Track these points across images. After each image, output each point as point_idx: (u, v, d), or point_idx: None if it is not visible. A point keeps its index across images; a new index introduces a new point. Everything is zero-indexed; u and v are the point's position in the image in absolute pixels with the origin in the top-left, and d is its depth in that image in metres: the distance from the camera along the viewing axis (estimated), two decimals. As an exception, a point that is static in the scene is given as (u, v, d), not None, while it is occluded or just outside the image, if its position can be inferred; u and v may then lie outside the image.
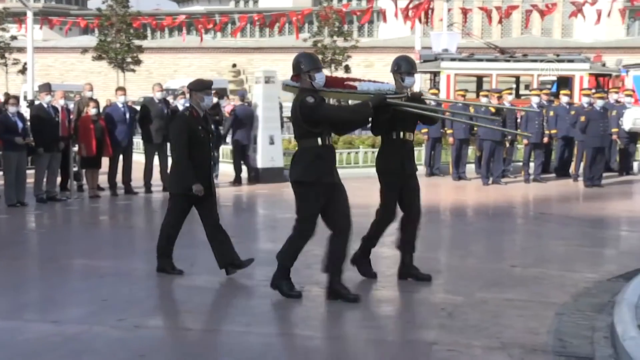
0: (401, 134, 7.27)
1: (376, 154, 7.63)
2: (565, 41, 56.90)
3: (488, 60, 23.53)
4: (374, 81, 7.35)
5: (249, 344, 5.48)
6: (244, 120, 15.33)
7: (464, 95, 16.89)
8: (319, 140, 6.50)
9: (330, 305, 6.49)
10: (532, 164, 15.97)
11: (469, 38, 35.92)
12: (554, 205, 13.11)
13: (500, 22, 33.80)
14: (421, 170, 16.73)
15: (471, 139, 16.48)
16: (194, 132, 7.38)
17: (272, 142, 15.57)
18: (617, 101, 17.50)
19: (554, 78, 23.94)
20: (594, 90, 17.26)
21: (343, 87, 7.05)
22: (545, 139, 15.97)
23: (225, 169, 15.93)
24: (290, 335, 5.69)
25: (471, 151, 17.02)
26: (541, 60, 23.99)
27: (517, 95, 24.04)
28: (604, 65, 24.84)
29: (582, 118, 14.98)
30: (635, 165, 17.61)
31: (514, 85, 25.06)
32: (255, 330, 5.79)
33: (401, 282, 7.34)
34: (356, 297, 6.49)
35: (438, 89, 19.38)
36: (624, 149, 17.20)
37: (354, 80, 7.21)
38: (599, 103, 15.20)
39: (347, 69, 40.59)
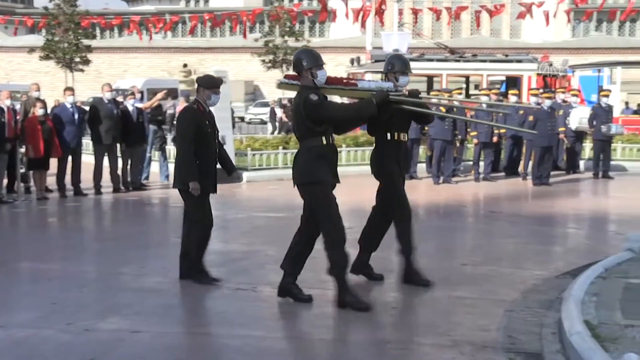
0: (396, 134, 7.18)
1: (370, 155, 7.53)
2: (514, 42, 57.70)
3: (438, 60, 23.71)
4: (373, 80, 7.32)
5: (200, 346, 5.45)
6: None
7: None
8: (323, 139, 6.38)
9: (282, 305, 6.49)
10: (482, 163, 16.15)
11: (419, 38, 36.20)
12: (504, 203, 13.27)
13: (449, 23, 34.13)
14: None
15: (422, 138, 16.61)
16: (200, 127, 7.24)
17: (223, 143, 15.45)
18: (564, 101, 17.81)
19: (503, 78, 24.27)
20: (541, 90, 17.53)
21: (344, 84, 6.96)
22: (495, 139, 16.18)
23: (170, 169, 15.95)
24: (243, 337, 5.67)
25: (422, 151, 17.16)
26: (490, 61, 24.27)
27: (467, 95, 24.29)
28: (551, 65, 25.22)
29: (531, 117, 15.21)
30: (581, 163, 17.93)
31: (464, 85, 25.32)
32: (207, 331, 5.76)
33: (354, 282, 7.35)
34: (309, 297, 6.50)
35: (389, 89, 19.46)
36: (570, 147, 17.51)
37: (353, 79, 7.16)
38: (546, 103, 15.46)
39: (298, 68, 40.57)
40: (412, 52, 26.79)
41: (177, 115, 15.68)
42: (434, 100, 8.95)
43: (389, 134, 7.15)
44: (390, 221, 7.39)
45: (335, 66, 53.65)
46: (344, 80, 7.03)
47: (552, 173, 15.76)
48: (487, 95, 16.61)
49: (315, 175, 6.34)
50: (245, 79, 55.16)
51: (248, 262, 8.23)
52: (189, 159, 7.15)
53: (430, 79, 25.18)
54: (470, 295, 6.80)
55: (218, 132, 7.68)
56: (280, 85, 7.08)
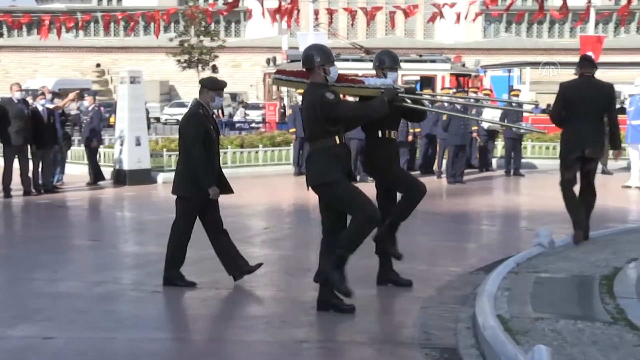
0: (387, 132, 7.05)
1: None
2: (428, 42, 58.65)
3: (354, 60, 23.87)
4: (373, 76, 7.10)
5: (115, 350, 5.35)
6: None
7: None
8: (336, 139, 6.18)
9: (200, 307, 6.44)
10: (397, 162, 16.33)
11: (335, 38, 36.40)
12: (422, 201, 13.43)
13: (368, 24, 34.45)
14: (289, 169, 16.93)
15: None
16: (207, 131, 7.04)
17: (138, 144, 15.29)
18: (476, 100, 18.17)
19: (417, 78, 24.61)
20: (454, 90, 17.87)
21: (353, 82, 6.79)
22: (410, 138, 16.41)
23: (71, 170, 15.98)
24: (160, 340, 5.59)
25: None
26: (405, 61, 24.58)
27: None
28: (463, 65, 25.74)
29: (444, 117, 15.47)
30: (493, 161, 18.36)
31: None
32: (123, 335, 5.65)
33: (272, 282, 7.36)
34: (352, 307, 6.25)
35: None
36: (483, 146, 17.90)
37: (359, 76, 6.95)
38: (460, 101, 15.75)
39: (214, 69, 40.33)
40: (328, 52, 26.88)
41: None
42: (427, 96, 9.04)
43: (380, 132, 7.02)
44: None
45: (251, 66, 53.75)
46: (351, 78, 6.87)
47: (465, 171, 16.07)
48: (402, 94, 16.81)
49: (330, 176, 6.14)
50: (160, 79, 54.47)
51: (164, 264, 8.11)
52: (203, 166, 6.95)
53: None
54: (387, 293, 6.88)
55: (219, 135, 7.55)
56: (276, 81, 6.91)
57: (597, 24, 32.74)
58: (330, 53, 6.42)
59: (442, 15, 28.02)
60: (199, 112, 7.08)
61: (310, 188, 6.35)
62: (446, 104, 13.64)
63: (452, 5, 28.68)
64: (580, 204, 8.31)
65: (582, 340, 4.93)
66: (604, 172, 17.13)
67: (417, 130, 16.60)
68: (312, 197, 13.84)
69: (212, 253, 8.52)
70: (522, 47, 56.05)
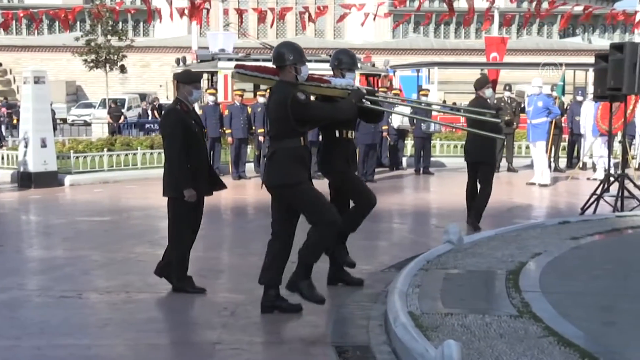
0: (344, 132, 6.97)
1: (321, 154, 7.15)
2: (338, 42, 59.02)
3: (265, 60, 23.78)
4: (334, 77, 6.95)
5: (16, 358, 5.20)
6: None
7: (241, 95, 17.01)
8: (302, 140, 6.09)
9: (110, 311, 6.32)
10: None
11: (245, 38, 36.30)
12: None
13: (276, 24, 34.40)
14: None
15: (250, 138, 16.67)
16: (188, 127, 6.75)
17: (44, 145, 14.89)
18: (385, 100, 18.41)
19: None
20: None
21: (321, 82, 6.65)
22: (321, 137, 16.46)
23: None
24: (67, 346, 5.45)
25: (250, 150, 17.21)
26: (316, 61, 24.68)
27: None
28: (373, 65, 26.01)
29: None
30: (404, 160, 18.63)
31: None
32: (27, 342, 5.49)
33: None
34: (299, 306, 6.25)
35: (216, 89, 19.36)
36: (393, 145, 18.14)
37: (324, 76, 6.81)
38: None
39: (122, 69, 39.57)
40: (238, 52, 26.77)
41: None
42: (394, 100, 9.15)
43: (337, 132, 6.93)
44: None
45: (160, 66, 53.03)
46: (318, 77, 6.74)
47: (376, 170, 16.26)
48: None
49: (294, 177, 6.03)
50: (66, 79, 53.12)
51: (72, 268, 7.93)
52: (181, 165, 6.71)
53: (257, 79, 25.28)
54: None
55: (205, 129, 7.23)
56: (239, 76, 6.71)
57: (500, 25, 33.62)
58: (302, 52, 6.33)
59: (349, 17, 28.25)
60: (176, 107, 6.82)
61: (266, 187, 6.23)
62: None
63: (361, 6, 28.97)
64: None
65: (490, 333, 5.06)
66: (509, 169, 17.64)
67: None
68: (224, 198, 13.77)
69: (123, 255, 8.41)
70: (430, 48, 57.08)
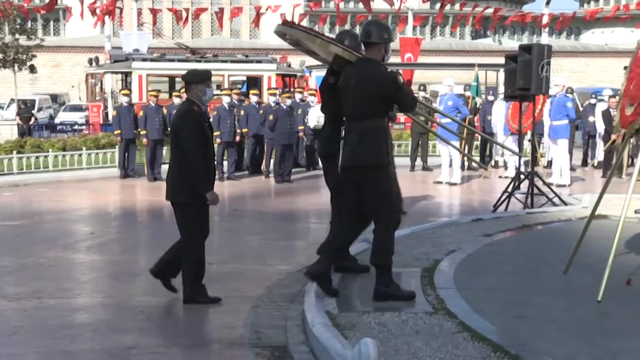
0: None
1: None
2: (254, 43, 58.91)
3: (180, 60, 23.66)
4: None
5: None
6: None
7: (156, 96, 16.80)
8: (386, 120, 6.06)
9: (21, 318, 6.15)
10: (225, 163, 16.33)
11: (159, 38, 35.84)
12: (248, 201, 13.52)
13: (191, 24, 34.10)
14: (114, 172, 16.49)
15: (165, 139, 16.46)
16: (203, 129, 6.48)
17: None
18: (302, 100, 18.48)
19: (244, 78, 24.72)
20: (279, 90, 18.08)
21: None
22: (237, 138, 16.43)
23: None
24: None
25: (166, 151, 17.00)
26: (231, 61, 24.61)
27: (210, 95, 24.40)
28: (289, 66, 26.08)
29: (271, 116, 15.64)
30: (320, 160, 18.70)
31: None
32: None
33: (99, 288, 7.14)
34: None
35: (130, 90, 19.09)
36: (310, 145, 18.20)
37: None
38: (287, 102, 15.99)
39: (32, 69, 38.51)
40: (153, 52, 26.49)
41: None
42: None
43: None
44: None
45: (72, 66, 51.84)
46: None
47: (293, 170, 16.29)
48: (229, 95, 16.80)
49: (386, 159, 5.93)
50: (-28, 79, 51.39)
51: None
52: (202, 168, 6.43)
53: (172, 80, 25.05)
54: (217, 294, 6.83)
55: (213, 133, 6.95)
56: (308, 37, 6.49)
57: (414, 26, 34.13)
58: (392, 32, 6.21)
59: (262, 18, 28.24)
60: (194, 109, 6.55)
61: (350, 167, 6.01)
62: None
63: (276, 8, 29.02)
64: None
65: (406, 331, 5.13)
66: (424, 168, 17.92)
67: (245, 130, 16.65)
68: (140, 200, 13.52)
69: (34, 260, 8.20)
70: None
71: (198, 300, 6.44)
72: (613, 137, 15.71)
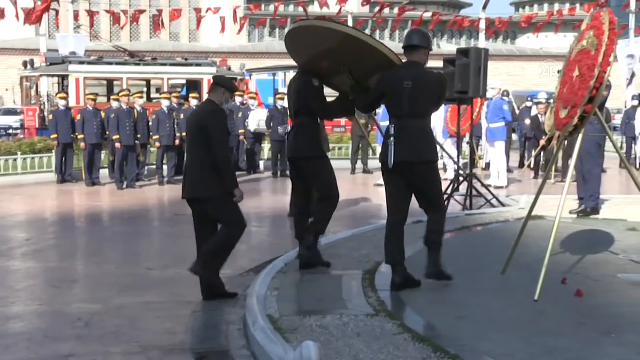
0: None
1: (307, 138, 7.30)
2: (193, 45, 58.51)
3: (118, 63, 23.33)
4: None
5: None
6: None
7: (94, 100, 16.55)
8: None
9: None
10: (165, 167, 16.18)
11: (97, 41, 35.33)
12: (187, 205, 13.36)
13: (129, 26, 33.67)
14: (51, 177, 16.18)
15: (103, 143, 16.24)
16: (228, 129, 6.86)
17: None
18: (242, 103, 18.43)
19: (184, 81, 24.52)
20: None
21: None
22: (177, 142, 16.29)
23: None
24: None
25: (104, 156, 16.78)
26: (171, 64, 24.39)
27: (149, 99, 24.19)
28: (229, 69, 25.97)
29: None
30: (261, 163, 18.67)
31: (145, 89, 25.18)
32: None
33: (35, 296, 7.00)
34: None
35: (67, 93, 18.75)
36: (250, 148, 18.16)
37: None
38: (225, 105, 15.88)
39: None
40: (90, 55, 26.08)
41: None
42: None
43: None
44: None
45: (5, 69, 50.70)
46: None
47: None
48: (168, 98, 16.65)
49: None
50: None
51: None
52: (231, 165, 6.79)
53: (110, 83, 24.71)
54: (157, 300, 6.78)
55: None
56: (354, 32, 6.72)
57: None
58: None
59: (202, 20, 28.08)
60: (221, 108, 6.77)
61: (411, 164, 6.41)
62: None
63: (216, 10, 28.86)
64: None
65: (347, 333, 5.15)
66: (364, 170, 18.03)
67: (184, 134, 16.49)
68: (78, 205, 13.31)
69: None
70: (285, 51, 57.20)
71: (208, 281, 6.69)
72: (541, 142, 16.09)
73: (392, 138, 6.41)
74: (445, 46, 61.06)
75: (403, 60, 6.70)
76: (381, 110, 15.20)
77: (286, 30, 7.34)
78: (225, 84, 6.83)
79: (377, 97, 6.77)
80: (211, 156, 6.51)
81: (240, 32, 33.62)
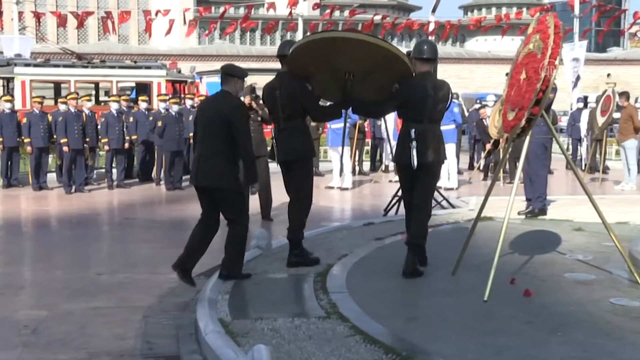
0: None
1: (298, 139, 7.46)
2: (143, 48, 58.02)
3: (65, 66, 22.99)
4: None
5: None
6: None
7: (41, 103, 16.27)
8: None
9: None
10: (114, 170, 15.99)
11: (44, 43, 34.82)
12: (138, 209, 13.27)
13: (78, 27, 33.21)
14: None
15: (51, 147, 15.99)
16: None
17: None
18: (192, 106, 18.29)
19: (133, 84, 24.26)
20: (170, 96, 17.85)
21: None
22: (127, 145, 16.13)
23: None
24: None
25: (52, 159, 16.52)
26: (120, 67, 24.13)
27: (97, 102, 23.88)
28: (179, 72, 25.78)
29: (159, 123, 15.42)
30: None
31: (94, 92, 24.85)
32: None
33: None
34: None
35: (12, 96, 18.40)
36: (201, 152, 18.03)
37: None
38: (174, 108, 15.78)
39: None
40: (37, 57, 25.69)
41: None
42: None
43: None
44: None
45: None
46: None
47: (184, 177, 16.09)
48: (118, 101, 16.46)
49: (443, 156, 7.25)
50: None
51: None
52: (254, 159, 6.97)
53: (57, 86, 24.32)
54: (107, 305, 6.69)
55: None
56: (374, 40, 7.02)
57: (305, 32, 34.38)
58: None
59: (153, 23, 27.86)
60: (241, 99, 7.11)
61: (425, 165, 7.04)
62: None
63: (166, 12, 28.66)
64: None
65: (299, 336, 5.15)
66: (315, 174, 18.02)
67: (134, 137, 16.37)
68: (25, 210, 13.10)
69: None
70: (236, 54, 57.33)
71: (239, 276, 6.85)
72: (488, 146, 16.33)
73: (414, 142, 6.98)
74: (396, 49, 61.44)
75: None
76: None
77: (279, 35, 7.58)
78: (237, 73, 7.03)
79: (401, 104, 7.16)
80: (230, 148, 6.71)
81: (190, 34, 33.42)
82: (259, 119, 11.27)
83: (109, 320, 6.21)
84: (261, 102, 11.27)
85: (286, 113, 7.39)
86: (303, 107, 7.33)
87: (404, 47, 60.07)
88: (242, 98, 9.94)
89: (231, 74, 7.02)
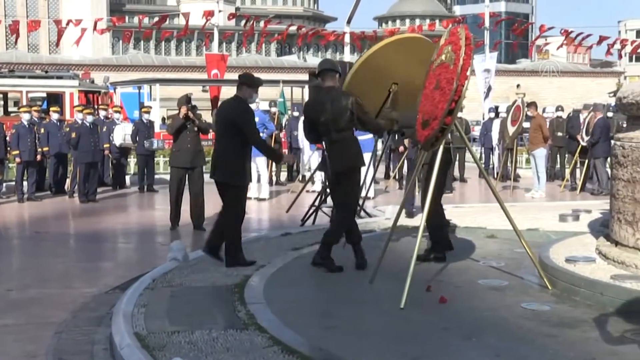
0: None
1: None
2: (54, 57, 56.71)
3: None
4: None
5: None
6: None
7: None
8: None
9: None
10: (25, 183, 15.56)
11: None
12: (51, 223, 12.94)
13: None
14: None
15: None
16: None
17: None
18: (106, 117, 18.00)
19: (44, 94, 23.71)
20: (83, 107, 17.50)
21: None
22: (38, 157, 15.71)
23: None
24: None
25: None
26: (30, 77, 23.56)
27: (6, 113, 23.25)
28: (92, 82, 25.34)
29: (74, 134, 15.08)
30: (127, 178, 18.25)
31: (2, 102, 24.18)
32: None
33: None
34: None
35: None
36: (116, 163, 17.74)
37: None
38: (89, 119, 15.47)
39: None
40: (-59, 66, 24.84)
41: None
42: None
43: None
44: None
45: None
46: None
47: (98, 189, 15.79)
48: (29, 112, 16.03)
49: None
50: None
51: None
52: (266, 144, 7.79)
53: (-36, 96, 23.59)
54: (17, 322, 6.50)
55: None
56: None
57: (221, 43, 34.25)
58: None
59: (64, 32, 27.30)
60: (248, 104, 7.84)
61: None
62: None
63: (78, 22, 28.14)
64: None
65: (216, 348, 5.10)
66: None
67: (46, 149, 15.96)
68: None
69: None
70: (151, 64, 56.60)
71: (243, 263, 7.76)
72: (401, 149, 16.55)
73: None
74: (311, 59, 61.83)
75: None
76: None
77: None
78: (246, 82, 7.89)
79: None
80: (240, 147, 7.76)
81: (103, 44, 32.85)
82: (196, 129, 11.21)
83: (19, 337, 6.03)
84: (198, 112, 11.33)
85: (340, 126, 7.61)
86: (359, 120, 7.65)
87: (320, 58, 60.47)
88: (179, 109, 10.34)
89: (242, 82, 7.90)
